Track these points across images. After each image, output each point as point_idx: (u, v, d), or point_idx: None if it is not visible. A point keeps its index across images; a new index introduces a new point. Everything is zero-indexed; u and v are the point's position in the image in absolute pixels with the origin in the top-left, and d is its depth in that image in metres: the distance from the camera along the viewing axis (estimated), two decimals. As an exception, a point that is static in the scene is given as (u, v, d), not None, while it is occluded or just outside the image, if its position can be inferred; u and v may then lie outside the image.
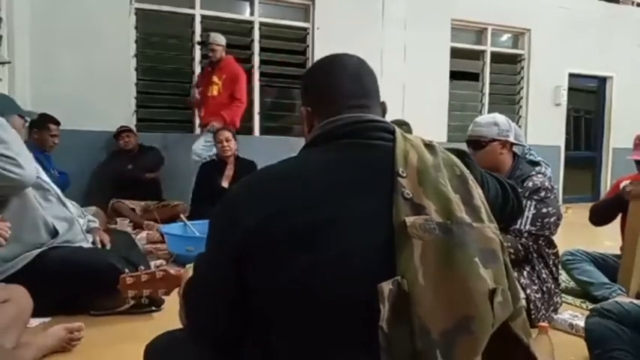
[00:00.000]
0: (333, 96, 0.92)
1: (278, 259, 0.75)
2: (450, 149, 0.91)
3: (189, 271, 1.15)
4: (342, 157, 0.84)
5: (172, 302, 1.05)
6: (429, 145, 0.85)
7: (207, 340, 0.90)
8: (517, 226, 2.06)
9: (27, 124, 2.36)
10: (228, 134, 4.05)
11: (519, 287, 0.82)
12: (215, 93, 4.54)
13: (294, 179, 0.81)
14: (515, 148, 2.22)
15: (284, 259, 0.74)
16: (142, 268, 1.24)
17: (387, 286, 0.69)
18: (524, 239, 2.07)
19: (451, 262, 0.72)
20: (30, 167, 1.93)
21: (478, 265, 0.73)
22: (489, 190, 0.97)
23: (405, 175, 0.78)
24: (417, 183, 0.77)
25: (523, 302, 0.83)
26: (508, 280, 0.78)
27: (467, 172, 0.84)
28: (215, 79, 4.54)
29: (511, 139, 2.17)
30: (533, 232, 2.06)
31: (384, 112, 0.97)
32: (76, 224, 2.30)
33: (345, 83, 0.93)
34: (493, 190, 0.99)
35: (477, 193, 0.82)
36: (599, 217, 2.69)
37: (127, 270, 1.27)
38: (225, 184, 3.92)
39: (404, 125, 3.48)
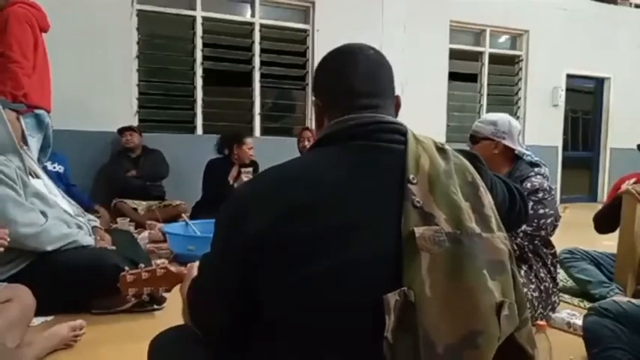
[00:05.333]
0: (343, 94, 0.89)
1: (285, 261, 0.74)
2: (460, 151, 0.89)
3: (192, 268, 1.16)
4: (351, 160, 0.81)
5: (174, 301, 1.05)
6: (442, 149, 0.83)
7: (210, 338, 0.90)
8: (512, 226, 2.07)
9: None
10: (251, 141, 4.06)
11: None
12: None
13: (303, 180, 0.79)
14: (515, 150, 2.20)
15: (291, 263, 0.73)
16: (142, 265, 1.22)
17: (393, 297, 0.68)
18: (519, 239, 2.08)
19: (459, 274, 0.71)
20: None
21: (486, 278, 0.72)
22: (497, 195, 0.95)
23: (415, 181, 0.76)
24: (427, 190, 0.75)
25: (528, 313, 0.81)
26: (515, 290, 0.77)
27: (478, 178, 0.83)
28: None
29: (506, 142, 2.16)
30: (528, 232, 2.07)
31: (397, 106, 0.94)
32: (74, 224, 2.30)
33: (358, 82, 0.89)
34: (501, 194, 0.99)
35: (488, 201, 0.81)
36: (603, 223, 2.63)
37: (126, 268, 1.26)
38: (230, 181, 4.00)
39: None
